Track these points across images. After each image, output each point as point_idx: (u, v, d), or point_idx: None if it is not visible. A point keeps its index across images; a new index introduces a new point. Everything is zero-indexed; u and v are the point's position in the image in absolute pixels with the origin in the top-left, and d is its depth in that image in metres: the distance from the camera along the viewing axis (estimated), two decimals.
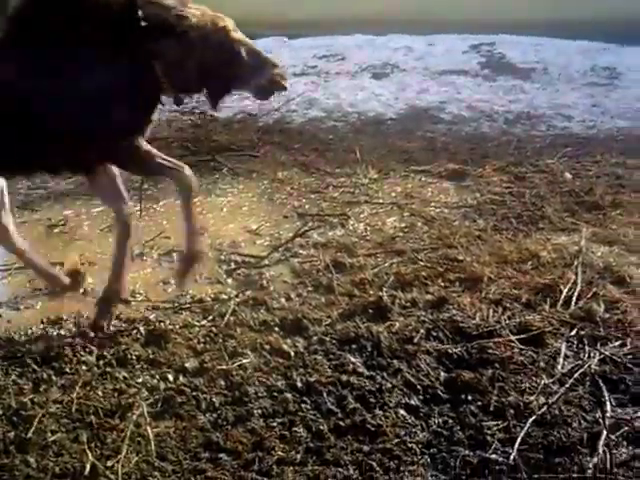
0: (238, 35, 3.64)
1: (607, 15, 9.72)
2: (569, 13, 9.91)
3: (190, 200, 3.87)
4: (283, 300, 4.17)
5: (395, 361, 3.53)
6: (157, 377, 3.46)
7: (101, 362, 3.57)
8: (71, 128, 3.34)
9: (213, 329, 3.85)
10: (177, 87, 3.65)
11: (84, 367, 3.53)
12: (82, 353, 3.62)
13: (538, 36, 10.14)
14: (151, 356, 3.62)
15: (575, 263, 4.30)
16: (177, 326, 3.88)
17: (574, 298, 3.95)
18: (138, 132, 3.59)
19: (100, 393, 3.33)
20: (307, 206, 5.52)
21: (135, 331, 3.81)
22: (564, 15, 9.87)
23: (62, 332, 3.84)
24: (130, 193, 5.31)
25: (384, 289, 4.17)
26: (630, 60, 9.37)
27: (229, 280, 4.46)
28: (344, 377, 3.42)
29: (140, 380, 3.43)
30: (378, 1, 10.46)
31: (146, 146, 3.64)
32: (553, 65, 9.38)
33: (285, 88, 3.87)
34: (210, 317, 3.98)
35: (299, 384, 3.40)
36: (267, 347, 3.69)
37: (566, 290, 4.01)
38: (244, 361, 3.56)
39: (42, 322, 3.94)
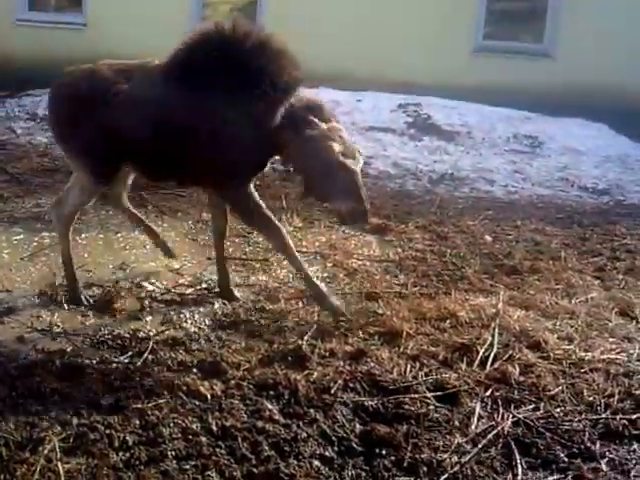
0: (349, 163, 4.13)
1: (531, 84, 10.15)
2: (494, 80, 10.30)
3: (297, 261, 4.51)
4: (202, 341, 4.16)
5: (312, 410, 3.54)
6: (71, 412, 3.38)
7: (14, 393, 3.49)
8: (205, 154, 4.18)
9: (130, 366, 3.81)
10: (286, 163, 4.61)
11: None
12: None
13: (463, 100, 10.46)
14: (66, 390, 3.55)
15: (492, 325, 4.40)
16: (94, 361, 3.83)
17: (490, 359, 4.03)
18: (249, 174, 4.40)
19: (12, 425, 3.25)
20: (231, 249, 5.53)
21: (51, 363, 3.74)
22: (489, 82, 10.25)
23: None
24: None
25: (304, 337, 4.20)
26: (552, 130, 9.74)
27: (148, 318, 4.43)
28: (260, 423, 3.41)
29: (53, 414, 3.35)
30: (309, 53, 10.65)
31: (257, 197, 4.41)
32: (477, 129, 9.69)
33: (363, 225, 4.98)
34: (128, 354, 3.94)
35: (214, 428, 3.37)
36: (184, 388, 3.65)
37: (482, 351, 4.10)
38: (160, 401, 3.52)
39: None
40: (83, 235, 5.53)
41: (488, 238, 6.18)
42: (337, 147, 4.11)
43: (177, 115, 4.16)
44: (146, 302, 4.61)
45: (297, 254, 4.52)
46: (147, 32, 10.97)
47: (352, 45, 10.78)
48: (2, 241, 5.28)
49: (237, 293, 4.77)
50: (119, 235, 5.71)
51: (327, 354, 4.07)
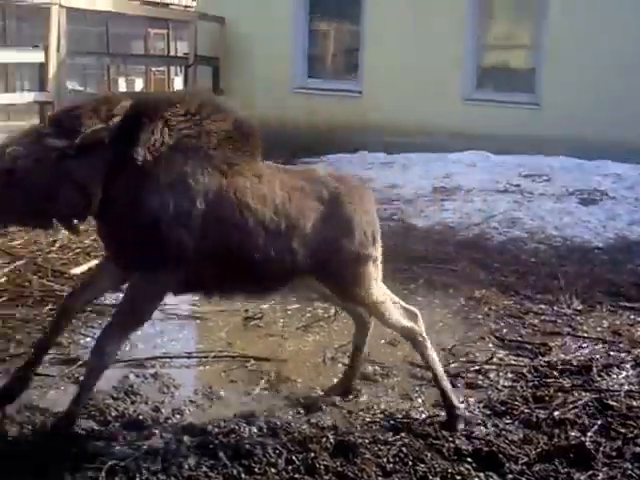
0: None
1: None
2: None
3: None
4: (482, 429, 3.96)
5: None
6: None
7: (289, 467, 3.48)
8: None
9: (403, 449, 3.69)
10: None
11: (273, 469, 3.45)
12: (271, 454, 3.56)
13: None
14: (339, 468, 3.49)
15: None
16: (367, 440, 3.76)
17: None
18: None
19: None
20: (505, 330, 5.32)
21: (324, 439, 3.72)
22: None
23: (254, 429, 3.80)
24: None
25: (587, 433, 3.88)
26: None
27: (419, 399, 4.30)
28: None
29: None
30: (588, 124, 10.34)
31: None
32: None
33: None
34: (401, 435, 3.83)
35: None
36: (458, 478, 3.49)
37: None
38: None
39: (235, 416, 3.94)
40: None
41: None
42: None
43: None
44: (416, 382, 4.50)
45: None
46: (420, 100, 11.19)
47: None
48: (277, 310, 5.42)
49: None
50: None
51: (614, 454, 3.73)
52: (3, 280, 5.57)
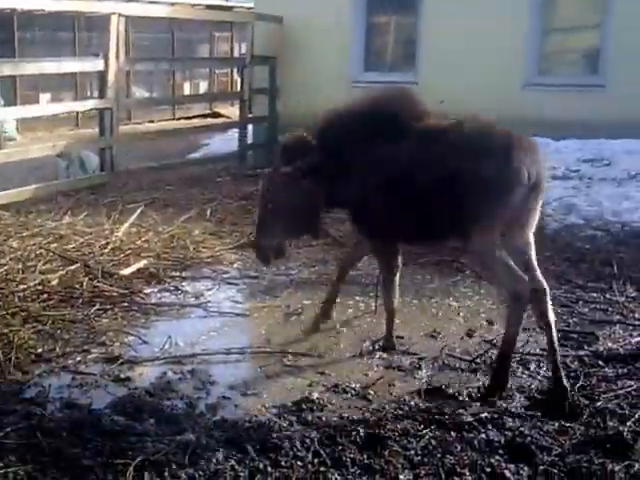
0: None
1: None
2: None
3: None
4: (515, 420, 3.88)
5: None
6: None
7: (316, 460, 3.48)
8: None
9: (432, 441, 3.65)
10: None
11: (299, 463, 3.45)
12: (299, 448, 3.56)
13: None
14: (366, 461, 3.48)
15: None
16: (397, 433, 3.73)
17: None
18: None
19: None
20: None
21: (354, 432, 3.70)
22: None
23: (283, 423, 3.81)
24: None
25: (627, 423, 3.77)
26: None
27: (458, 391, 4.25)
28: None
29: None
30: None
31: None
32: None
33: None
34: (433, 427, 3.78)
35: None
36: (487, 470, 3.42)
37: None
38: None
39: (267, 410, 3.96)
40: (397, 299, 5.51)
41: None
42: None
43: None
44: (450, 374, 4.47)
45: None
46: (479, 88, 11.04)
47: None
48: (319, 305, 5.41)
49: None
50: (433, 301, 5.64)
51: None
52: (55, 282, 5.71)
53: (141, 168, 10.26)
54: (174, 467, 3.39)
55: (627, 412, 3.91)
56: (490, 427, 3.80)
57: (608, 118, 10.38)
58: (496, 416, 3.91)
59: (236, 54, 20.80)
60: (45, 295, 5.46)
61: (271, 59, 12.35)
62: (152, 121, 17.78)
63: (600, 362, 4.58)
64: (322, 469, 3.42)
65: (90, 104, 11.17)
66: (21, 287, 5.55)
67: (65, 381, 4.28)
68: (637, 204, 7.94)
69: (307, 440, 3.63)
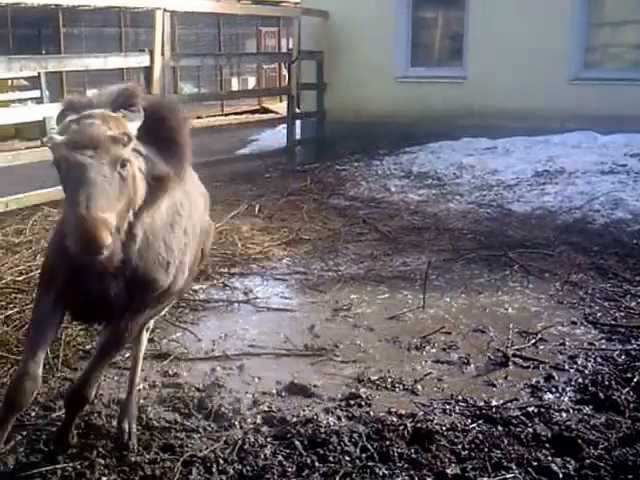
0: None
1: None
2: None
3: None
4: (562, 414, 3.90)
5: None
6: (415, 479, 3.37)
7: (364, 455, 3.54)
8: None
9: (479, 436, 3.70)
10: None
11: (347, 457, 3.51)
12: (347, 443, 3.63)
13: None
14: (413, 455, 3.53)
15: None
16: (444, 427, 3.78)
17: None
18: None
19: None
20: (599, 314, 5.21)
21: (402, 427, 3.76)
22: None
23: (332, 419, 3.87)
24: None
25: None
26: None
27: (504, 384, 4.28)
28: None
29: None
30: None
31: None
32: None
33: None
34: (478, 422, 3.83)
35: None
36: (534, 464, 3.46)
37: None
38: (507, 476, 3.37)
39: (315, 405, 4.02)
40: (445, 295, 5.55)
41: None
42: None
43: None
44: (498, 369, 4.48)
45: None
46: (526, 83, 10.97)
47: None
48: (367, 300, 5.48)
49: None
50: (481, 296, 5.66)
51: None
52: None
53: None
54: (222, 463, 3.46)
55: None
56: (537, 421, 3.84)
57: None
58: (543, 410, 3.94)
59: (284, 49, 20.87)
60: None
61: (318, 54, 12.41)
62: (200, 117, 17.96)
63: None
64: (370, 464, 3.47)
65: None
66: None
67: (113, 377, 4.34)
68: None
69: (355, 435, 3.70)
